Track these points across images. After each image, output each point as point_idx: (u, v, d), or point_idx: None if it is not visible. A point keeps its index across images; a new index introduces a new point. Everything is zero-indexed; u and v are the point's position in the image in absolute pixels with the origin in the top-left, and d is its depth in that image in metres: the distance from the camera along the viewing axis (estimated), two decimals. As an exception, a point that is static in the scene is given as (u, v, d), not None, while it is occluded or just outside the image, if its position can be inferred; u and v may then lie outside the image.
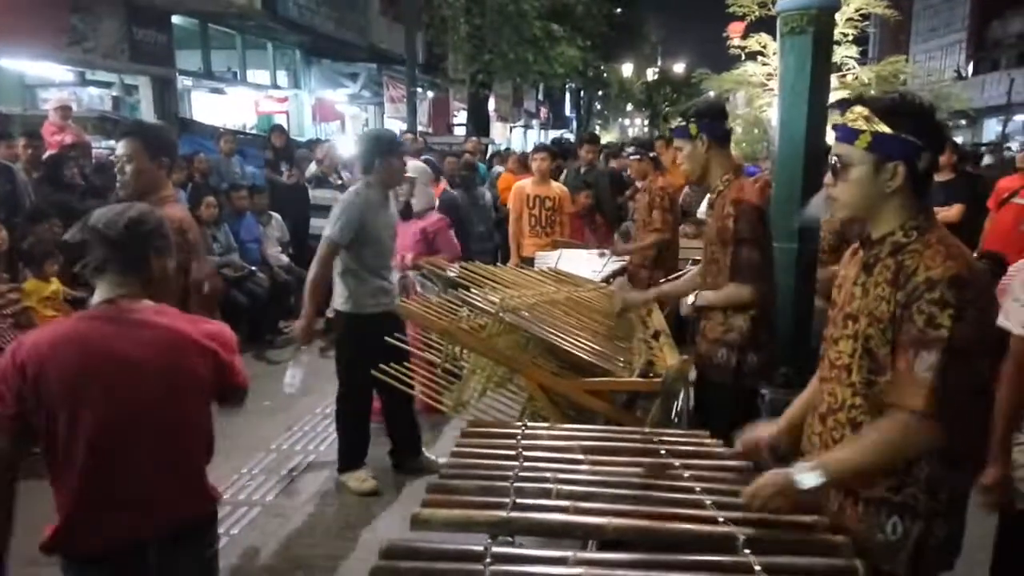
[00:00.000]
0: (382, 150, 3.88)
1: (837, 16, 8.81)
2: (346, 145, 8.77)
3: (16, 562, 3.37)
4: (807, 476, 1.67)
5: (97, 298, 1.85)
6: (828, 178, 1.82)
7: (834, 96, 8.74)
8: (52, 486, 1.81)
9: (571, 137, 24.00)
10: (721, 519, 1.66)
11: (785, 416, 2.09)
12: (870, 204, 1.76)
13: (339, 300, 3.93)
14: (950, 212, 5.95)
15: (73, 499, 1.79)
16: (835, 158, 1.78)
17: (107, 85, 11.54)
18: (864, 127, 1.72)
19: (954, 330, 1.58)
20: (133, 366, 1.80)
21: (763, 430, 2.08)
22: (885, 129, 1.69)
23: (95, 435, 1.77)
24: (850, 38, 9.22)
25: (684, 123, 3.02)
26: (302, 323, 3.80)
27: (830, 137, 4.58)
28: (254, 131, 13.09)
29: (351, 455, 4.05)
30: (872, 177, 1.72)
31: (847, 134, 1.75)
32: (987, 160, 13.22)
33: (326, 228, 3.79)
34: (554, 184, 6.31)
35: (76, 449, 1.76)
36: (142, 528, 1.83)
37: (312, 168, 7.80)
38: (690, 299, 3.06)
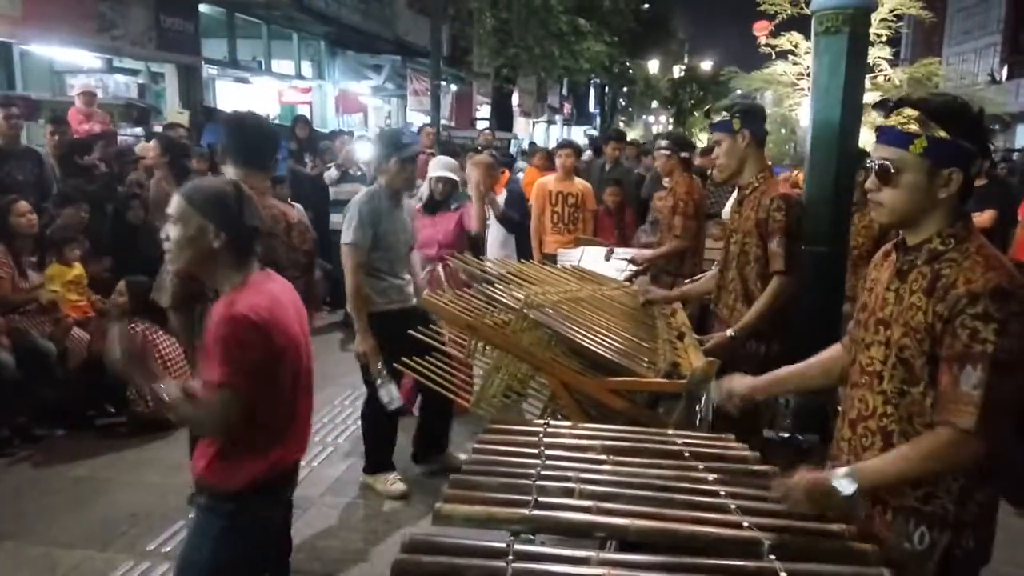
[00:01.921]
0: (388, 152, 3.79)
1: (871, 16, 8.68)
2: (364, 146, 8.75)
3: (31, 543, 3.42)
4: (844, 482, 1.64)
5: (243, 274, 2.07)
6: (871, 182, 1.73)
7: (866, 98, 8.64)
8: (257, 431, 2.03)
9: (595, 133, 23.91)
10: (746, 524, 1.63)
11: (771, 374, 2.17)
12: (919, 211, 1.69)
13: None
14: (982, 218, 5.86)
15: (283, 435, 2.11)
16: (884, 162, 1.69)
17: (134, 72, 11.65)
18: (919, 131, 1.64)
19: (999, 344, 1.54)
20: (301, 314, 2.18)
21: (739, 383, 2.17)
22: (942, 134, 1.63)
23: (302, 373, 2.13)
24: (883, 39, 9.08)
25: (728, 118, 3.06)
26: (359, 340, 3.72)
27: (863, 139, 4.51)
28: (277, 121, 13.15)
29: (378, 457, 3.97)
30: (926, 184, 1.66)
31: (898, 138, 1.67)
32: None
33: (343, 236, 3.72)
34: (577, 181, 6.28)
35: (291, 389, 2.08)
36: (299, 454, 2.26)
37: (333, 172, 7.71)
38: (729, 332, 3.09)
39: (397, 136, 4.02)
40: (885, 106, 1.75)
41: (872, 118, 9.34)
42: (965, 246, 1.65)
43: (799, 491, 1.69)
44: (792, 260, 3.00)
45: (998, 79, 26.60)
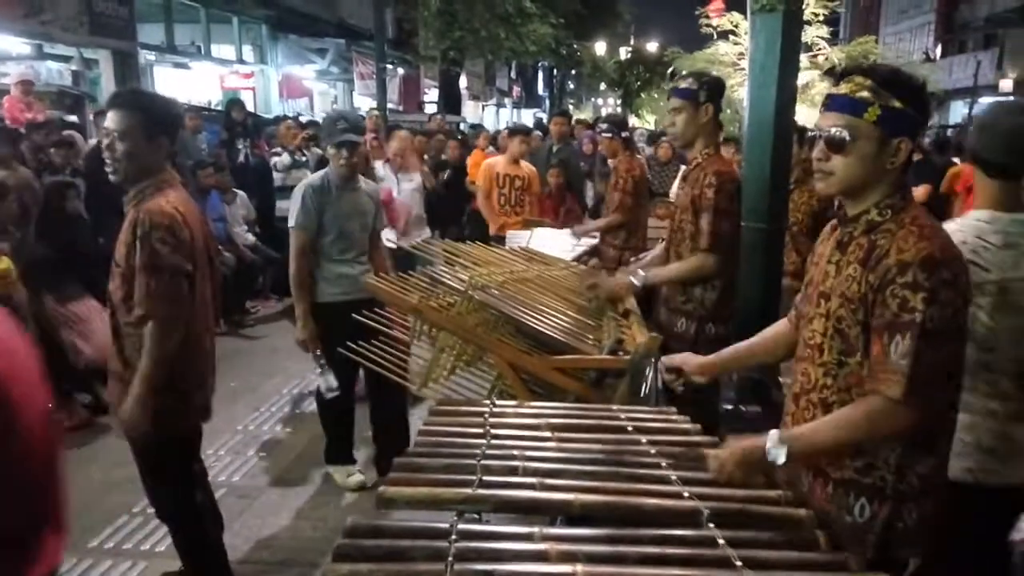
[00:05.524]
0: (324, 137, 3.84)
1: (808, -5, 8.83)
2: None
3: None
4: (775, 450, 1.64)
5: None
6: (819, 152, 1.68)
7: (803, 77, 8.83)
8: None
9: (543, 116, 23.90)
10: (686, 494, 1.66)
11: (718, 355, 2.16)
12: (867, 181, 1.66)
13: None
14: (918, 192, 6.04)
15: None
16: (837, 130, 1.64)
17: (66, 59, 11.23)
18: (871, 98, 1.61)
19: (928, 313, 1.53)
20: None
21: (688, 358, 2.16)
22: (896, 103, 1.60)
23: None
24: (821, 18, 9.27)
25: (695, 87, 2.96)
26: (299, 326, 3.64)
27: (799, 116, 4.57)
28: (219, 107, 12.84)
29: (336, 449, 3.90)
30: (876, 153, 1.63)
31: (852, 106, 1.62)
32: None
33: (289, 219, 3.68)
34: (523, 163, 6.30)
35: None
36: None
37: (285, 159, 7.46)
38: (637, 280, 3.08)
39: (333, 120, 3.83)
40: (834, 73, 1.71)
41: (811, 95, 9.56)
42: (901, 217, 1.64)
43: (732, 462, 1.68)
44: (717, 239, 2.94)
45: (932, 57, 27.36)
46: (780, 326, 2.07)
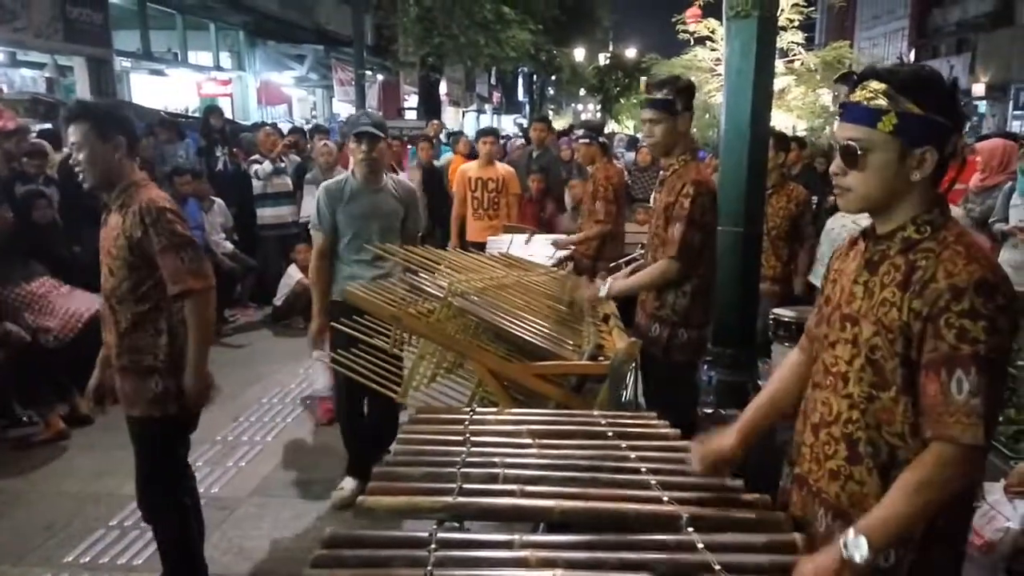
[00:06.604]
0: (348, 129, 3.94)
1: (783, 1, 8.94)
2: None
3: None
4: (854, 542, 1.41)
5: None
6: (836, 166, 1.56)
7: (780, 82, 8.93)
8: None
9: (524, 122, 23.95)
10: (666, 499, 1.67)
11: (740, 425, 1.85)
12: (891, 196, 1.52)
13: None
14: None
15: None
16: (849, 143, 1.51)
17: (40, 66, 11.10)
18: (887, 106, 1.46)
19: (990, 343, 1.38)
20: None
21: (719, 444, 1.83)
22: (913, 109, 1.45)
23: None
24: (796, 24, 9.38)
25: (670, 96, 2.96)
26: (313, 321, 3.72)
27: (775, 121, 4.56)
28: (196, 115, 12.74)
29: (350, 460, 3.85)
30: (897, 166, 1.48)
31: (865, 115, 1.49)
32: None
33: (311, 220, 3.82)
34: (499, 166, 6.29)
35: None
36: None
37: (267, 166, 7.33)
38: (602, 292, 3.10)
39: (356, 117, 4.12)
40: (849, 80, 1.56)
41: (787, 100, 9.66)
42: (943, 234, 1.49)
43: None
44: (686, 248, 2.94)
45: (906, 62, 27.72)
46: (793, 360, 1.85)
